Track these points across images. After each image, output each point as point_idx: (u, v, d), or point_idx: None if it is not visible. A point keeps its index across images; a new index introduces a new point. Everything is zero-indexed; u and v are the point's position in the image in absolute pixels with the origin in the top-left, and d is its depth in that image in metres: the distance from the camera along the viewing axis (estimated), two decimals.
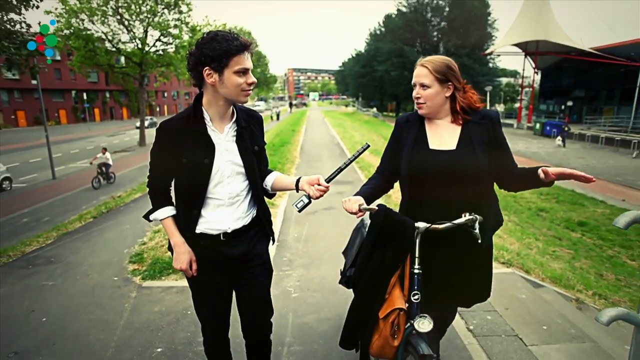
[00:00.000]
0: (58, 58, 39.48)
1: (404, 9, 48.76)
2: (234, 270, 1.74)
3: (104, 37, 21.64)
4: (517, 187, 1.78)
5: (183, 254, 1.63)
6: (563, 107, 38.16)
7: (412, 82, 1.72)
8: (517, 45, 38.15)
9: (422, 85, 1.68)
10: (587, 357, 2.47)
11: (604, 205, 11.28)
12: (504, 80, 66.32)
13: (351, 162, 1.68)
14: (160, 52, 22.91)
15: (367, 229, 2.27)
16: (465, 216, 1.58)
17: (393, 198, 5.83)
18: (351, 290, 2.29)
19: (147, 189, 1.71)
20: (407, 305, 1.67)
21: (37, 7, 9.59)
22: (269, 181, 1.81)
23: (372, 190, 1.81)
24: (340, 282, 2.42)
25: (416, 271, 1.64)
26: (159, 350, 2.57)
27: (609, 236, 8.58)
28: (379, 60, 48.52)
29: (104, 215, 6.92)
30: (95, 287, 3.62)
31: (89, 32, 20.90)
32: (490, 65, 46.96)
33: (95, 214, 7.06)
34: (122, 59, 24.22)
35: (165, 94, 65.96)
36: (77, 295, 3.48)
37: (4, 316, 3.14)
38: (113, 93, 52.80)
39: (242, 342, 1.91)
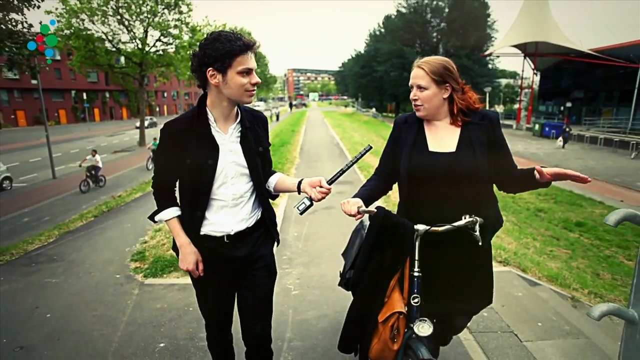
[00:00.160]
0: (58, 58, 39.48)
1: (403, 10, 48.91)
2: (237, 272, 1.73)
3: (104, 37, 21.71)
4: (516, 189, 1.77)
5: (189, 255, 1.63)
6: (562, 108, 38.25)
7: (409, 83, 1.71)
8: (516, 46, 38.25)
9: (419, 87, 1.66)
10: (580, 353, 2.53)
11: (602, 206, 11.34)
12: (504, 81, 66.39)
13: (353, 163, 1.66)
14: (161, 52, 22.99)
15: (365, 231, 2.25)
16: (465, 218, 1.56)
17: (392, 198, 5.89)
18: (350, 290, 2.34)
19: (152, 190, 1.71)
20: (406, 308, 1.65)
21: (39, 7, 9.64)
22: (272, 182, 1.81)
23: (370, 191, 1.79)
24: (339, 284, 2.39)
25: (416, 274, 1.61)
26: (161, 345, 2.62)
27: (606, 236, 8.65)
28: (379, 61, 48.61)
29: (105, 214, 6.97)
30: (97, 285, 3.68)
31: (89, 32, 20.97)
32: (490, 66, 47.08)
33: (96, 213, 7.11)
34: (122, 59, 24.28)
35: (165, 94, 66.00)
36: (80, 293, 3.53)
37: (9, 312, 3.19)
38: (113, 93, 52.83)
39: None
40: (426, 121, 1.75)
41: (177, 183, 1.68)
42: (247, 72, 1.50)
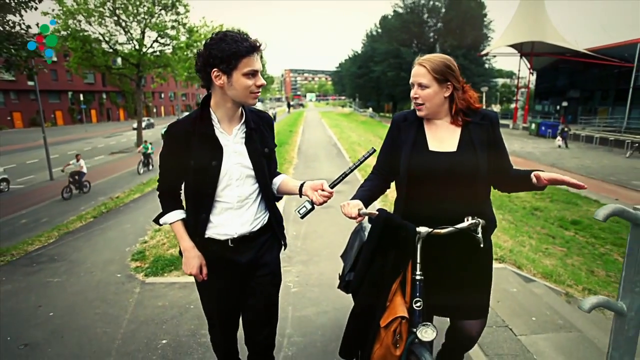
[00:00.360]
0: (55, 59, 39.29)
1: (400, 10, 49.09)
2: (241, 278, 1.70)
3: (101, 38, 21.67)
4: (510, 189, 1.77)
5: (193, 259, 1.61)
6: (558, 107, 38.50)
7: (410, 81, 1.67)
8: (512, 46, 38.48)
9: (420, 85, 1.62)
10: (572, 346, 2.60)
11: (597, 205, 11.45)
12: (500, 81, 66.74)
13: (356, 167, 1.63)
14: (158, 53, 22.95)
15: (364, 233, 2.22)
16: (468, 220, 1.54)
17: (389, 197, 5.96)
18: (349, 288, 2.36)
19: (157, 192, 1.69)
20: (408, 312, 1.61)
21: (36, 8, 9.66)
22: (276, 184, 1.77)
23: (370, 192, 1.77)
24: (339, 287, 2.36)
25: (418, 277, 1.58)
26: (164, 342, 2.67)
27: (601, 234, 8.75)
28: (376, 61, 48.77)
29: (104, 215, 7.00)
30: (99, 284, 3.72)
31: (86, 33, 20.91)
32: (486, 66, 47.29)
33: (95, 214, 7.15)
34: (119, 60, 24.25)
35: (162, 95, 65.92)
36: (82, 291, 3.58)
37: (12, 311, 3.24)
38: (110, 94, 52.73)
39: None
40: (426, 120, 1.72)
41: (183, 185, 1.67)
42: (253, 74, 1.47)
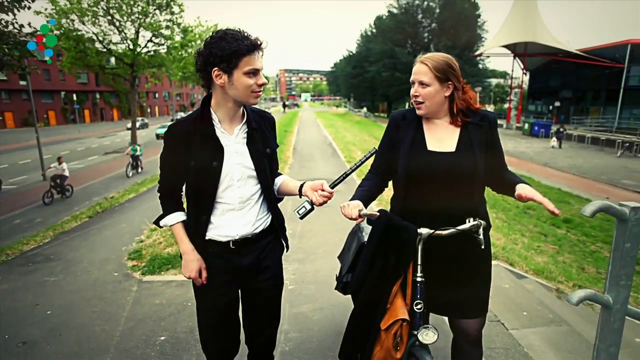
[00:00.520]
0: (46, 58, 39.10)
1: (394, 11, 49.31)
2: (243, 281, 1.68)
3: (94, 37, 21.55)
4: (498, 190, 1.76)
5: (192, 262, 1.58)
6: (551, 107, 38.92)
7: (411, 79, 1.65)
8: (506, 46, 38.82)
9: (421, 83, 1.61)
10: (561, 339, 2.67)
11: (589, 203, 11.61)
12: (494, 81, 67.26)
13: (357, 167, 1.62)
14: (152, 53, 22.85)
15: (362, 234, 2.20)
16: (469, 222, 1.53)
17: (384, 195, 5.98)
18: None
19: (158, 194, 1.67)
20: (409, 315, 1.60)
21: (29, 7, 9.62)
22: (276, 185, 1.75)
23: (368, 192, 1.75)
24: (336, 288, 2.38)
25: (419, 279, 1.57)
26: (162, 338, 2.70)
27: (592, 232, 8.88)
28: (370, 61, 48.92)
29: (99, 215, 7.00)
30: (96, 282, 3.74)
31: (79, 33, 20.77)
32: (480, 66, 47.65)
33: (90, 214, 7.14)
34: (113, 59, 24.12)
35: (157, 95, 65.59)
36: (79, 290, 3.59)
37: (10, 309, 3.25)
38: (103, 94, 52.35)
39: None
40: (425, 119, 1.70)
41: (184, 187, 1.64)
42: (254, 72, 1.45)
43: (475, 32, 46.44)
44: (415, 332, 1.54)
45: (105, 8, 20.77)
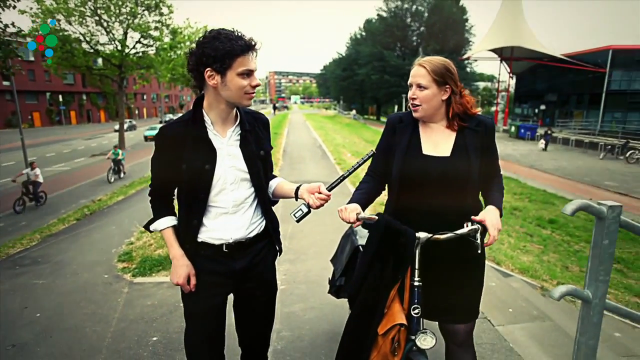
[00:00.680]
0: (32, 59, 38.44)
1: (384, 14, 49.81)
2: (235, 285, 1.63)
3: (81, 38, 21.28)
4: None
5: (181, 267, 1.53)
6: (537, 110, 39.67)
7: (409, 82, 1.65)
8: (493, 50, 39.45)
9: (419, 86, 1.60)
10: (545, 334, 2.76)
11: (569, 202, 11.89)
12: (481, 84, 68.33)
13: (355, 169, 1.60)
14: (141, 54, 22.66)
15: (356, 237, 2.24)
16: (467, 226, 1.52)
17: (378, 199, 6.04)
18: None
19: (149, 197, 1.63)
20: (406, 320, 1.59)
21: (14, 7, 9.48)
22: (271, 187, 1.72)
23: (366, 195, 1.73)
24: (329, 292, 2.38)
25: (416, 283, 1.55)
26: (154, 339, 2.71)
27: (576, 232, 9.12)
28: (360, 64, 49.32)
29: (88, 218, 6.92)
30: (86, 285, 3.72)
31: (65, 33, 20.51)
32: (468, 69, 48.38)
33: (78, 216, 7.06)
34: (100, 60, 23.84)
35: (145, 97, 64.91)
36: (69, 292, 3.57)
37: None
38: (90, 95, 51.58)
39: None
40: (421, 123, 1.70)
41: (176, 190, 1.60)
42: (248, 73, 1.43)
43: (463, 36, 47.23)
44: (413, 337, 1.53)
45: (92, 8, 20.55)
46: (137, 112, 60.88)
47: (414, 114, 1.66)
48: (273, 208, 1.77)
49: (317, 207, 1.53)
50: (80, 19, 20.64)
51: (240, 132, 1.57)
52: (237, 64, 1.39)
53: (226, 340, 1.73)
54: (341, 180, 1.60)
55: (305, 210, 1.55)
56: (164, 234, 1.59)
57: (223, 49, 1.36)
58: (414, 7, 48.65)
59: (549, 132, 27.33)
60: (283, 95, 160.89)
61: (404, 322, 1.52)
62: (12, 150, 22.01)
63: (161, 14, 21.91)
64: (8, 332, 2.88)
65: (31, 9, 19.40)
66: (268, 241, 1.70)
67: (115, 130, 29.83)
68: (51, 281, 3.87)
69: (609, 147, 23.40)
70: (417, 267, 1.55)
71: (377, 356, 1.58)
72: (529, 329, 2.82)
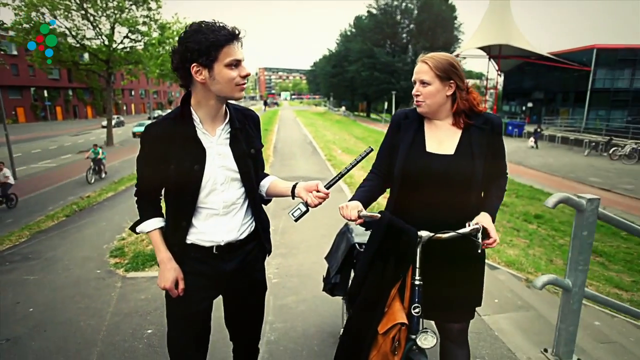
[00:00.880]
0: (15, 53, 37.61)
1: (374, 11, 49.93)
2: (225, 286, 1.61)
3: (67, 32, 20.88)
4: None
5: (168, 271, 1.47)
6: (524, 108, 40.24)
7: (412, 78, 1.64)
8: (481, 48, 39.84)
9: (422, 82, 1.59)
10: (528, 322, 2.88)
11: (551, 195, 12.17)
12: (470, 81, 68.40)
13: (353, 167, 1.57)
14: (129, 49, 22.34)
15: (352, 235, 2.23)
16: (470, 226, 1.50)
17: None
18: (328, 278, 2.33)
19: (135, 198, 1.56)
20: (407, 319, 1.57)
21: None
22: (264, 186, 1.67)
23: (369, 192, 1.70)
24: (324, 290, 2.39)
25: (417, 282, 1.53)
26: (149, 331, 2.75)
27: (561, 227, 9.36)
28: (350, 61, 49.38)
29: (78, 214, 6.89)
30: (79, 280, 3.73)
31: (50, 27, 20.11)
32: None
33: (67, 212, 7.01)
34: (87, 55, 23.44)
35: (133, 93, 64.00)
36: (62, 288, 3.58)
37: None
38: (76, 91, 50.62)
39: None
40: (427, 120, 1.67)
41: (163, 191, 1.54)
42: (236, 64, 1.37)
43: (452, 33, 47.65)
44: (414, 337, 1.52)
45: (78, 2, 20.17)
46: (125, 108, 59.99)
47: (418, 110, 1.65)
48: (266, 206, 1.76)
49: (316, 206, 1.48)
50: (66, 13, 20.26)
51: (230, 130, 1.51)
52: (223, 55, 1.33)
53: (218, 333, 1.74)
54: (339, 178, 1.57)
55: (304, 209, 1.51)
56: (150, 236, 1.53)
57: (207, 41, 1.30)
58: (404, 4, 48.88)
59: (539, 130, 27.66)
60: (273, 91, 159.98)
61: (405, 321, 1.51)
62: None
63: (149, 9, 21.64)
64: (1, 327, 2.89)
65: (14, 1, 18.98)
66: (258, 242, 1.65)
67: (103, 127, 29.41)
68: (43, 277, 3.87)
69: (594, 144, 23.90)
70: (418, 265, 1.54)
71: (377, 355, 1.56)
72: (514, 318, 2.93)
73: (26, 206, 11.19)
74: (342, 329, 1.73)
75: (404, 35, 50.34)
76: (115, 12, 21.02)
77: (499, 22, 36.84)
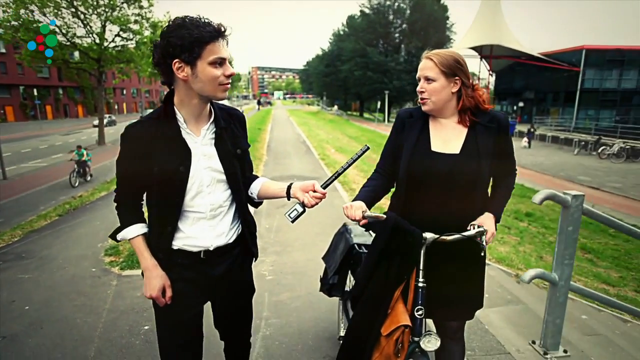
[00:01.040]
0: (3, 51, 37.08)
1: (366, 11, 50.07)
2: (213, 291, 1.57)
3: (57, 30, 20.63)
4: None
5: (154, 279, 1.41)
6: (515, 107, 40.68)
7: (417, 75, 1.60)
8: (473, 48, 40.19)
9: (427, 79, 1.55)
10: (517, 316, 2.96)
11: (538, 192, 12.35)
12: None
13: (349, 165, 1.54)
14: (120, 47, 22.15)
15: (350, 235, 2.25)
16: (474, 228, 1.49)
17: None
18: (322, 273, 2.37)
19: (115, 203, 1.48)
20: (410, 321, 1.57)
21: None
22: (255, 188, 1.61)
23: (373, 192, 1.67)
24: (321, 290, 2.36)
25: (420, 284, 1.52)
26: (146, 327, 2.78)
27: (551, 225, 9.52)
28: (343, 60, 49.48)
29: (71, 213, 6.86)
30: (74, 278, 3.74)
31: (40, 25, 19.85)
32: None
33: (60, 211, 6.97)
34: (77, 53, 23.17)
35: (125, 91, 63.41)
36: (57, 286, 3.59)
37: None
38: (67, 89, 50.02)
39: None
40: (432, 118, 1.64)
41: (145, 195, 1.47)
42: (220, 62, 1.32)
43: (445, 33, 47.98)
44: (417, 339, 1.51)
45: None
46: (116, 107, 59.41)
47: (423, 108, 1.61)
48: (260, 207, 1.74)
49: (312, 206, 1.45)
50: (56, 10, 20.01)
51: (215, 130, 1.46)
52: (207, 53, 1.28)
53: (211, 329, 1.73)
54: (336, 177, 1.55)
55: (301, 210, 1.48)
56: (133, 243, 1.45)
57: (190, 37, 1.25)
58: (396, 4, 49.11)
59: (532, 129, 27.89)
60: (266, 90, 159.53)
61: (409, 323, 1.49)
62: None
63: (141, 7, 21.46)
64: None
65: None
66: (245, 245, 1.61)
67: (95, 126, 29.10)
68: (38, 275, 3.87)
69: (583, 143, 24.26)
70: (421, 267, 1.52)
71: (380, 357, 1.55)
72: (503, 312, 3.02)
73: (17, 206, 11.07)
74: (344, 330, 1.73)
75: (397, 35, 50.58)
76: (106, 10, 20.81)
77: (491, 22, 37.25)
